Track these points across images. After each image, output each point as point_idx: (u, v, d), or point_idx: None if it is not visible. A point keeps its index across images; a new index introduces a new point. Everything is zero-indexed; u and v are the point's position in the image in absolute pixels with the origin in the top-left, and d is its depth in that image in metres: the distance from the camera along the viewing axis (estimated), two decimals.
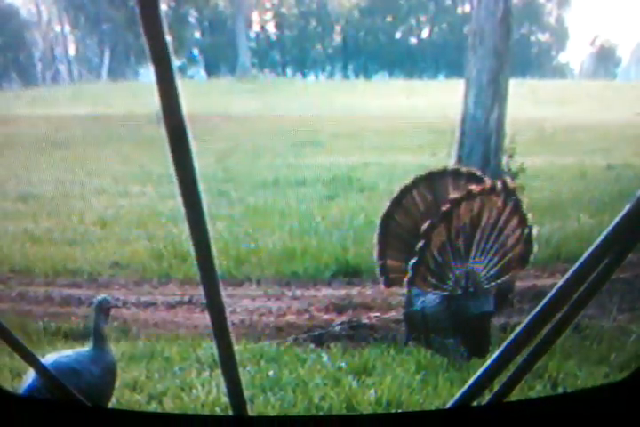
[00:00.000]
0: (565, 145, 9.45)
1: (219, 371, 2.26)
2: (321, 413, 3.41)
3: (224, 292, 1.27)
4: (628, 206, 1.22)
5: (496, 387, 1.50)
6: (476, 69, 7.20)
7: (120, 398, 3.51)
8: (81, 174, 8.26)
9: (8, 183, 7.83)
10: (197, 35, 12.89)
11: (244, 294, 5.20)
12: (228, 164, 8.93)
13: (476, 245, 3.87)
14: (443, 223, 3.84)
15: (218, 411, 3.42)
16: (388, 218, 4.14)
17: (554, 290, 1.31)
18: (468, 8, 11.93)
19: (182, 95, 1.06)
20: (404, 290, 4.16)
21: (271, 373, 3.83)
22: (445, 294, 3.94)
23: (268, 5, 12.78)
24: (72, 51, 12.28)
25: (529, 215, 3.94)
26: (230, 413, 1.49)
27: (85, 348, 3.21)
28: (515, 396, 1.95)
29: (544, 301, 1.32)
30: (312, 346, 4.31)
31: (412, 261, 3.84)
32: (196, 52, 12.88)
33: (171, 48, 1.02)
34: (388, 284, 4.20)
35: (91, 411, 2.17)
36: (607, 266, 1.28)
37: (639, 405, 1.94)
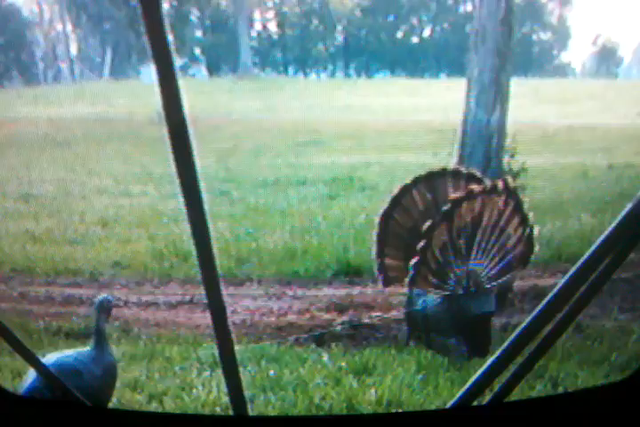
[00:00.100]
0: (567, 145, 9.44)
1: (219, 371, 2.26)
2: (321, 413, 3.42)
3: (225, 291, 1.27)
4: (629, 206, 1.22)
5: (496, 387, 1.50)
6: (478, 69, 7.19)
7: (121, 397, 3.51)
8: (82, 174, 8.26)
9: (9, 183, 7.84)
10: (199, 34, 12.88)
11: (244, 293, 5.19)
12: (229, 163, 8.92)
13: (477, 245, 3.88)
14: (444, 223, 3.84)
15: (218, 411, 3.43)
16: (387, 217, 4.15)
17: (555, 290, 1.31)
18: (469, 7, 11.92)
19: (184, 94, 1.06)
20: (405, 290, 4.16)
21: (272, 372, 3.83)
22: (446, 293, 3.94)
23: (269, 4, 12.78)
24: (74, 50, 12.28)
25: (530, 215, 3.94)
26: (231, 413, 1.49)
27: (86, 348, 3.21)
28: (515, 396, 1.95)
29: (545, 300, 1.32)
30: (313, 346, 4.31)
31: (414, 260, 3.85)
32: (197, 50, 12.88)
33: (172, 47, 1.02)
34: (387, 283, 4.21)
35: (91, 411, 2.17)
36: (608, 266, 1.28)
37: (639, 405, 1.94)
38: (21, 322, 4.48)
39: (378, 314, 4.76)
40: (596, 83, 12.64)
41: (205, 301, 1.29)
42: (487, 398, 1.58)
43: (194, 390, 3.63)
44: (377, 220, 4.19)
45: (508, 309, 4.54)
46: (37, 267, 5.62)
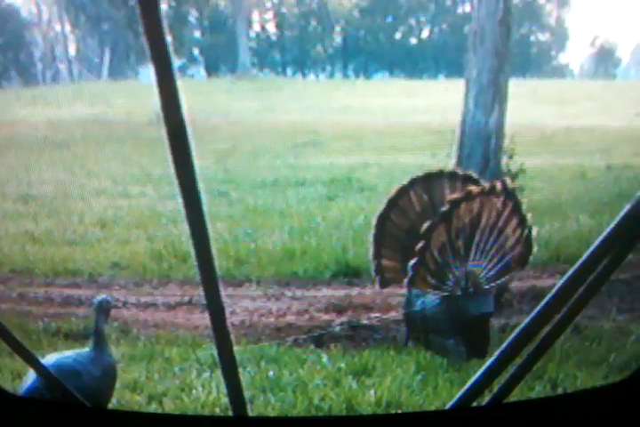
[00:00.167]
0: (565, 146, 9.44)
1: (219, 372, 2.26)
2: (321, 414, 3.42)
3: (224, 292, 1.27)
4: (627, 207, 1.22)
5: (496, 388, 1.50)
6: (477, 69, 7.19)
7: (120, 398, 3.51)
8: (81, 175, 8.26)
9: (8, 184, 7.83)
10: (198, 34, 12.88)
11: (243, 294, 5.19)
12: (228, 164, 8.92)
13: (475, 246, 3.88)
14: (443, 224, 3.85)
15: (218, 412, 3.43)
16: (383, 218, 4.16)
17: (553, 291, 1.31)
18: (468, 8, 11.92)
19: (182, 95, 1.06)
20: (404, 291, 4.16)
21: (271, 373, 3.83)
22: (445, 294, 3.94)
23: (268, 5, 12.78)
24: (72, 50, 12.27)
25: (528, 216, 3.94)
26: (230, 413, 1.49)
27: (85, 348, 3.21)
28: (514, 397, 1.95)
29: (543, 301, 1.32)
30: (312, 347, 4.31)
31: (412, 261, 3.85)
32: (196, 51, 12.87)
33: (171, 48, 1.02)
34: (384, 284, 4.22)
35: (91, 412, 2.17)
36: (606, 267, 1.28)
37: (639, 405, 1.94)
38: (20, 323, 4.48)
39: (377, 315, 4.76)
40: (595, 84, 12.65)
41: (204, 301, 1.29)
42: (486, 399, 1.58)
43: (193, 391, 3.63)
44: (374, 221, 4.20)
45: (507, 310, 4.55)
46: (36, 268, 5.61)
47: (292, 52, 12.95)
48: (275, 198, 7.52)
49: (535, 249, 3.99)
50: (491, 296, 3.96)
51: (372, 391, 3.61)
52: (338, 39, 12.88)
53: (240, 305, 4.97)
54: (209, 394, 3.59)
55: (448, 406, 1.60)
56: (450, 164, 6.96)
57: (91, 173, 8.34)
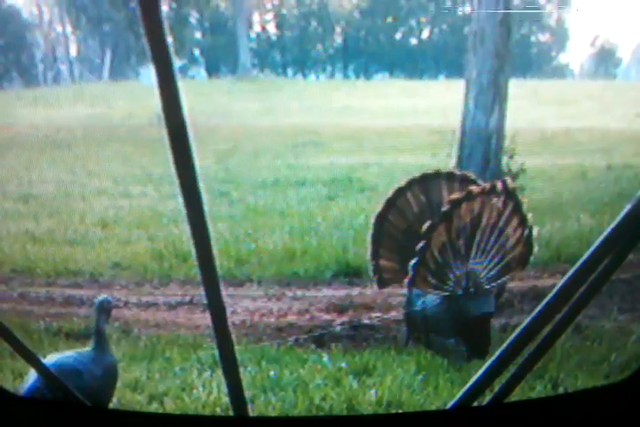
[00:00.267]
0: (565, 146, 9.44)
1: (220, 371, 2.26)
2: (322, 413, 3.42)
3: (224, 292, 1.27)
4: (628, 207, 1.22)
5: (496, 387, 1.50)
6: (477, 70, 7.20)
7: (121, 398, 3.51)
8: (82, 175, 8.26)
9: (9, 184, 7.83)
10: (198, 35, 12.88)
11: (244, 294, 5.20)
12: (229, 164, 8.92)
13: (476, 246, 3.88)
14: (443, 224, 3.85)
15: (219, 411, 3.43)
16: (381, 219, 4.17)
17: (554, 290, 1.31)
18: (468, 9, 11.92)
19: (183, 95, 1.06)
20: (405, 290, 4.17)
21: (272, 373, 3.83)
22: (446, 294, 3.95)
23: (268, 6, 12.79)
24: (73, 51, 12.27)
25: (529, 216, 3.94)
26: (231, 413, 1.49)
27: (86, 348, 3.22)
28: (515, 396, 1.95)
29: (544, 301, 1.33)
30: (313, 346, 4.31)
31: (413, 261, 3.85)
32: (196, 52, 12.88)
33: (171, 49, 1.02)
34: (382, 284, 4.23)
35: (91, 411, 2.17)
36: (607, 266, 1.28)
37: (639, 405, 1.95)
38: (22, 323, 4.49)
39: (377, 315, 4.76)
40: (595, 84, 12.64)
41: (205, 301, 1.29)
42: (487, 398, 1.58)
43: (194, 391, 3.64)
44: (372, 221, 4.22)
45: (508, 309, 4.55)
46: (37, 267, 5.62)
47: (293, 53, 12.96)
48: (275, 198, 7.52)
49: (536, 249, 3.99)
50: (491, 296, 3.96)
51: (372, 391, 3.61)
52: (338, 40, 12.88)
53: (241, 305, 4.97)
54: (210, 394, 3.59)
55: (449, 405, 1.60)
56: (450, 164, 6.96)
57: (92, 173, 8.35)
